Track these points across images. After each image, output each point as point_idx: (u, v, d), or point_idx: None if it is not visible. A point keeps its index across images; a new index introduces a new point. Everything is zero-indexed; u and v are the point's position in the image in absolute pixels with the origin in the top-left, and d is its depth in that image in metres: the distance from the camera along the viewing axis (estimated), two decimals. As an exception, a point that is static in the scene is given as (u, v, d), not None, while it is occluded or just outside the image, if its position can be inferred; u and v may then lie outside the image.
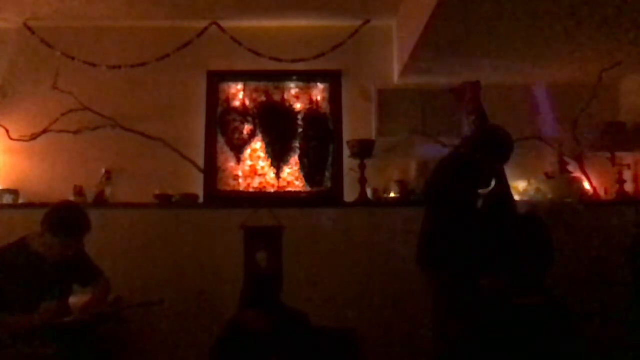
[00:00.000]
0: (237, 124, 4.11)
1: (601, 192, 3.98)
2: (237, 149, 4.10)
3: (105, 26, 4.09)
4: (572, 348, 2.87)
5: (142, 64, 3.99)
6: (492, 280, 2.85)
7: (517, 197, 3.70)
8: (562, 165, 3.97)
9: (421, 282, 3.10)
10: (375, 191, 3.93)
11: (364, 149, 3.87)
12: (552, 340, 2.81)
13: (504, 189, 3.13)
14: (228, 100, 4.14)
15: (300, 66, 4.05)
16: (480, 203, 3.07)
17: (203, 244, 3.78)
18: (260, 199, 3.95)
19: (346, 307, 3.68)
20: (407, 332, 3.65)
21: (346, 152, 3.99)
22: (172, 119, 4.05)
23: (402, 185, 3.89)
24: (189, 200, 3.87)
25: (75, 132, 3.96)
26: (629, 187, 3.94)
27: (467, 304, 2.81)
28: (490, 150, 2.97)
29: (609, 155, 3.94)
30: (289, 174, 4.09)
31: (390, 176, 4.00)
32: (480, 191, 3.07)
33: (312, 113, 4.13)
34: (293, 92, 4.16)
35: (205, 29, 4.06)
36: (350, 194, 3.96)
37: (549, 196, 3.86)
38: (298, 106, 4.14)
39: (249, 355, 2.77)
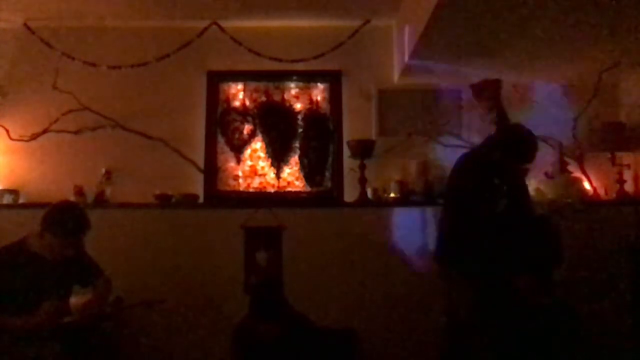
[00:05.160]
0: (237, 124, 4.11)
1: (601, 192, 3.98)
2: (237, 149, 4.10)
3: (105, 26, 4.08)
4: (578, 348, 2.86)
5: (142, 64, 3.98)
6: (528, 280, 2.81)
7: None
8: (562, 165, 3.97)
9: (440, 281, 3.06)
10: (375, 191, 3.93)
11: (364, 149, 3.87)
12: (558, 340, 2.81)
13: (522, 189, 3.08)
14: (228, 100, 4.14)
15: (300, 66, 4.05)
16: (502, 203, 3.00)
17: (203, 244, 3.78)
18: (260, 199, 3.95)
19: (346, 307, 3.69)
20: (407, 332, 3.65)
21: (346, 152, 3.99)
22: (172, 119, 4.05)
23: (402, 185, 3.89)
24: (189, 200, 3.87)
25: (75, 132, 3.96)
26: (629, 187, 3.94)
27: (493, 302, 2.79)
28: (510, 149, 2.92)
29: (609, 155, 3.94)
30: (289, 174, 4.09)
31: (390, 176, 4.00)
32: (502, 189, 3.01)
33: (312, 113, 4.13)
34: (293, 92, 4.16)
35: (205, 29, 4.06)
36: (350, 194, 3.96)
37: (549, 196, 3.86)
38: (298, 106, 4.14)
39: None
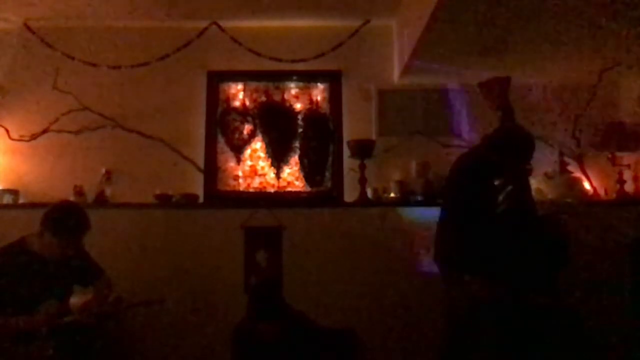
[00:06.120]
0: (237, 124, 4.11)
1: (601, 192, 3.98)
2: (237, 149, 4.09)
3: (105, 26, 4.09)
4: (578, 348, 2.86)
5: (142, 64, 3.99)
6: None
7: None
8: (562, 165, 3.97)
9: (440, 281, 3.05)
10: (375, 191, 3.92)
11: (364, 149, 3.87)
12: (558, 340, 2.80)
13: (524, 189, 3.06)
14: (228, 100, 4.14)
15: (300, 66, 4.05)
16: (502, 202, 2.98)
17: (203, 244, 3.78)
18: (260, 199, 3.95)
19: (346, 307, 3.69)
20: (407, 332, 3.65)
21: (346, 152, 3.99)
22: (172, 119, 4.05)
23: (402, 185, 3.89)
24: (189, 200, 3.87)
25: (75, 132, 3.96)
26: (629, 187, 3.93)
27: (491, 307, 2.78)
28: (508, 149, 2.91)
29: (609, 155, 3.95)
30: (289, 174, 4.09)
31: (390, 176, 4.00)
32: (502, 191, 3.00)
33: (312, 113, 4.13)
34: (293, 92, 4.16)
35: (205, 29, 4.06)
36: (350, 194, 3.96)
37: (549, 196, 3.86)
38: (298, 106, 4.14)
39: None
